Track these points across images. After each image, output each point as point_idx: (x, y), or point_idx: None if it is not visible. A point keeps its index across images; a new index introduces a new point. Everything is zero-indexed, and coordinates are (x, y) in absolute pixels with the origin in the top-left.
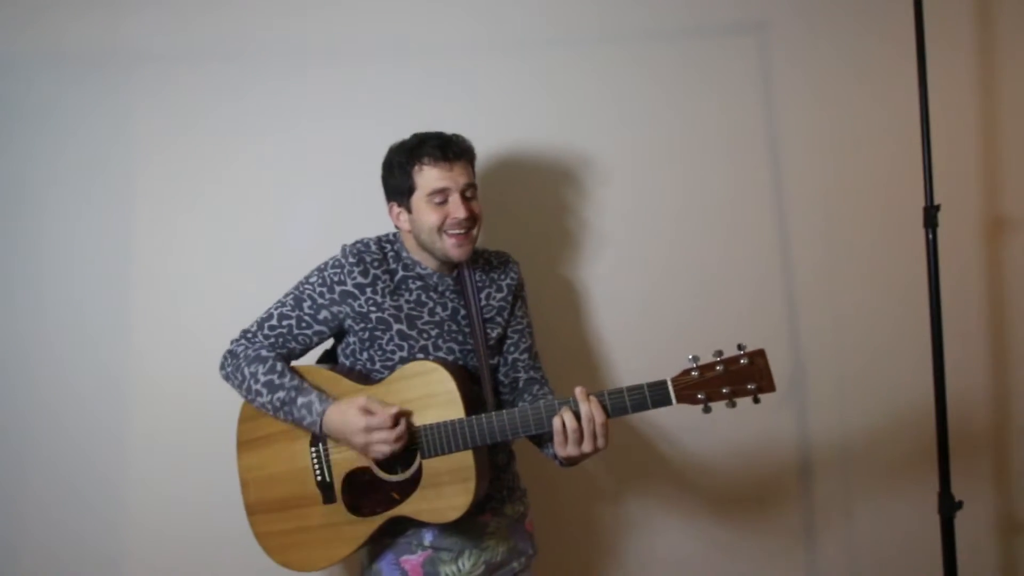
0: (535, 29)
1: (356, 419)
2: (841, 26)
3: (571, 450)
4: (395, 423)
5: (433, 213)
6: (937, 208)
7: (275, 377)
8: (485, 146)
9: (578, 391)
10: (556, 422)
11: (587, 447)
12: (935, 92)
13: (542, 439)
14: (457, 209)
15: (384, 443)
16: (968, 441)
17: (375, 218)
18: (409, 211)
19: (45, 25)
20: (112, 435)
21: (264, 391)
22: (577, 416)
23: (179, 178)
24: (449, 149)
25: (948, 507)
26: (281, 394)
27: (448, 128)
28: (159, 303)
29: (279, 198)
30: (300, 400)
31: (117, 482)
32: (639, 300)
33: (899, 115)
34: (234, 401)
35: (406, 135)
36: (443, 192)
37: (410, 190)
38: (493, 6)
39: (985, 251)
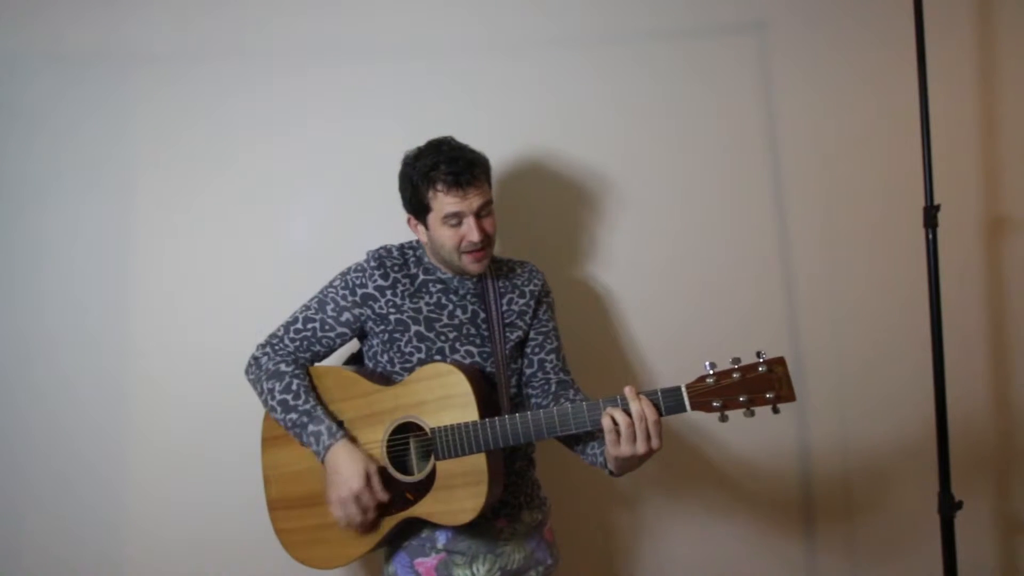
0: (535, 29)
1: (355, 480)
2: (841, 26)
3: (625, 449)
4: (376, 510)
5: (449, 236)
6: (937, 208)
7: (289, 398)
8: (484, 145)
9: (627, 390)
10: (606, 420)
11: (641, 447)
12: (935, 92)
13: (583, 446)
14: (471, 232)
15: (352, 517)
16: (968, 441)
17: (375, 217)
18: (427, 227)
19: (45, 25)
20: (112, 435)
21: (278, 408)
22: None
23: (179, 178)
24: (463, 176)
25: (948, 507)
26: (293, 416)
27: (448, 128)
28: (159, 303)
29: (279, 198)
30: (310, 428)
31: (117, 482)
32: (639, 301)
33: (899, 115)
34: (233, 402)
35: (406, 134)
36: (457, 216)
37: (426, 209)
38: (493, 6)
39: (985, 251)
